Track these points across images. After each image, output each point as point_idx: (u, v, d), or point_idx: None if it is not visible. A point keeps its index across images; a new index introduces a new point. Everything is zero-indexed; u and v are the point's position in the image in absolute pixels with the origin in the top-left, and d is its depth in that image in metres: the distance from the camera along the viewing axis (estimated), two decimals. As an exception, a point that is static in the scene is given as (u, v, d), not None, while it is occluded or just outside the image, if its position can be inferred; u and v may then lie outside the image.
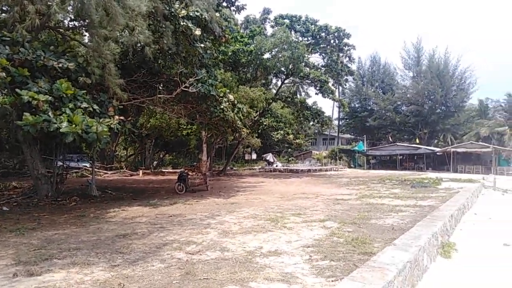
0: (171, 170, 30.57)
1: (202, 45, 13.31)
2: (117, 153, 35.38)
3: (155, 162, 35.41)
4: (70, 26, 12.76)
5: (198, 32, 12.21)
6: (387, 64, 53.62)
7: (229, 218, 8.50)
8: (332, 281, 4.04)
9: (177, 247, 5.68)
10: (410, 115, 46.47)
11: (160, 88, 14.27)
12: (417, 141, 44.89)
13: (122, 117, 10.07)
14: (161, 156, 38.51)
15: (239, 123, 16.37)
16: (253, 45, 26.31)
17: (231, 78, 24.81)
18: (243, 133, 20.52)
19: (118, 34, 9.55)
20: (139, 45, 11.40)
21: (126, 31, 9.99)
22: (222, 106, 14.29)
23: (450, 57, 46.73)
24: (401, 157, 39.62)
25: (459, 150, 34.32)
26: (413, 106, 45.63)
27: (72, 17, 11.82)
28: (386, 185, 18.26)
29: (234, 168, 36.64)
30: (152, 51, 10.79)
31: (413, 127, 47.85)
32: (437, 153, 36.09)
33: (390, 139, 48.93)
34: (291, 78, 31.72)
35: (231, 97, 15.26)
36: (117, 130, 9.91)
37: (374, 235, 6.44)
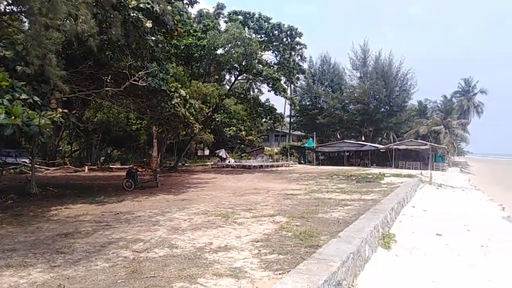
0: (119, 166, 29.47)
1: (153, 38, 12.90)
2: (60, 148, 33.42)
3: (102, 158, 33.90)
4: (7, 10, 11.77)
5: (149, 24, 11.82)
6: (336, 64, 55.57)
7: (179, 214, 8.38)
8: (280, 274, 4.15)
9: (123, 245, 5.51)
10: (357, 114, 48.57)
11: (108, 80, 13.65)
12: (363, 138, 47.04)
13: (65, 110, 9.55)
14: (108, 151, 36.94)
15: (191, 118, 16.17)
16: (206, 40, 26.00)
17: (183, 73, 24.37)
18: (195, 128, 20.26)
19: (60, 23, 8.96)
20: (85, 35, 10.82)
21: (70, 19, 9.44)
22: (173, 101, 14.00)
23: (393, 60, 49.53)
24: (348, 153, 41.32)
25: (400, 147, 36.56)
26: (359, 105, 47.73)
27: (10, 1, 10.92)
28: (333, 180, 18.99)
29: (186, 164, 36.11)
30: (98, 41, 10.29)
31: (359, 125, 50.09)
32: (381, 150, 38.12)
33: (338, 136, 50.88)
34: (244, 74, 31.84)
35: (182, 92, 15.00)
36: (60, 124, 9.37)
37: (321, 229, 6.69)
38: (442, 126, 47.69)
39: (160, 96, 13.73)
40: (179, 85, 15.42)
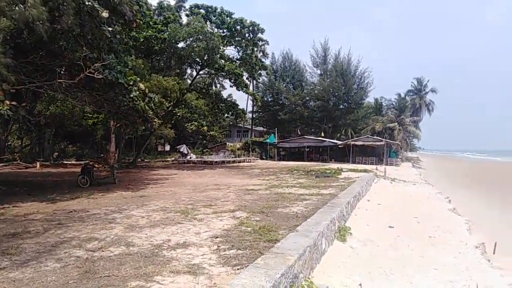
0: (74, 162, 28.17)
1: (111, 28, 12.40)
2: (9, 143, 31.40)
3: (55, 154, 32.19)
4: None
5: (105, 14, 11.32)
6: (298, 61, 56.32)
7: (136, 211, 8.18)
8: (238, 269, 4.19)
9: (76, 244, 5.30)
10: (317, 110, 49.63)
11: (62, 72, 12.97)
12: (323, 134, 48.20)
13: (14, 103, 8.98)
14: (62, 147, 35.18)
15: (151, 113, 15.78)
16: (167, 33, 25.40)
17: (143, 66, 23.64)
18: (155, 123, 19.84)
19: (6, 8, 8.38)
20: (35, 22, 10.17)
21: (19, 6, 8.84)
22: (131, 95, 13.57)
23: (352, 58, 51.05)
24: (308, 149, 42.21)
25: (357, 143, 37.94)
26: (319, 102, 48.79)
27: None
28: (293, 175, 19.33)
29: (146, 160, 35.21)
30: (50, 30, 9.73)
31: (319, 121, 51.25)
32: (339, 146, 39.30)
33: (299, 132, 51.73)
34: (206, 69, 31.44)
35: (142, 85, 14.58)
36: (9, 117, 8.82)
37: (280, 223, 6.80)
38: (396, 123, 50.00)
39: (118, 89, 13.24)
40: (138, 79, 14.97)
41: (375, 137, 40.80)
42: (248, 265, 4.04)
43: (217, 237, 5.74)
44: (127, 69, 14.53)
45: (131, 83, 13.59)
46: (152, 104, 15.63)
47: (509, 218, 14.10)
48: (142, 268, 4.21)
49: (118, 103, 13.71)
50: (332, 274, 5.19)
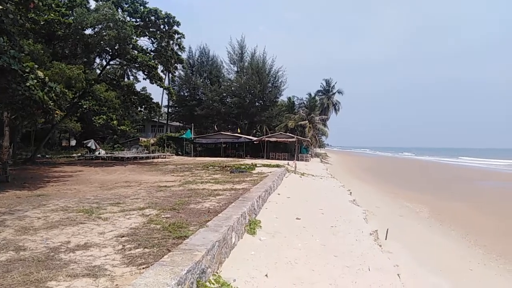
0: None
1: (1, 6, 10.98)
2: None
3: None
4: None
5: (-7, -11, 10.00)
6: (215, 56, 56.22)
7: (32, 212, 7.40)
8: (143, 268, 4.06)
9: (-48, 253, 4.61)
10: (233, 107, 50.17)
11: None
12: (239, 130, 48.99)
13: None
14: None
15: (51, 104, 14.34)
16: (72, 18, 23.28)
17: (42, 52, 21.34)
18: (56, 116, 18.11)
19: None
20: None
21: None
22: (27, 84, 12.19)
23: (267, 57, 52.64)
24: (224, 145, 42.55)
25: (271, 139, 39.44)
26: (236, 99, 49.41)
27: None
28: (209, 171, 19.33)
29: (47, 156, 31.93)
30: None
31: (236, 118, 51.94)
32: (254, 142, 40.39)
33: (216, 128, 51.84)
34: (117, 59, 29.64)
35: (40, 73, 13.22)
36: None
37: (191, 219, 6.76)
38: (307, 121, 53.10)
39: (11, 76, 11.78)
40: (36, 66, 13.50)
41: (288, 133, 42.80)
42: (154, 263, 3.95)
43: (123, 236, 5.48)
44: (23, 54, 13.06)
45: (27, 70, 12.23)
46: (53, 95, 14.23)
47: (399, 205, 16.04)
48: (33, 274, 3.83)
49: (12, 92, 12.19)
50: (241, 266, 5.33)
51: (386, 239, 9.38)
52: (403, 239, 9.78)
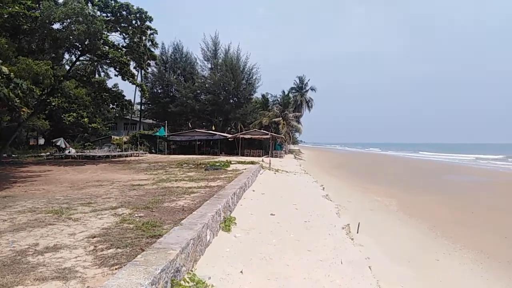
0: None
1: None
2: None
3: None
4: None
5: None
6: (188, 53, 55.51)
7: (-4, 215, 7.12)
8: (116, 269, 4.01)
9: None
10: (208, 104, 49.81)
11: None
12: (214, 128, 48.74)
13: None
14: None
15: (17, 101, 13.83)
16: (39, 11, 22.36)
17: (7, 46, 20.39)
18: (23, 113, 17.43)
19: None
20: None
21: None
22: (-10, 80, 11.70)
23: (241, 54, 52.56)
24: (199, 142, 42.22)
25: (246, 136, 39.50)
26: (210, 96, 49.08)
27: None
28: (183, 169, 19.16)
29: (14, 155, 30.63)
30: None
31: (210, 115, 51.60)
32: (229, 139, 40.33)
33: (190, 126, 51.33)
34: (87, 55, 28.73)
35: (5, 69, 12.72)
36: None
37: (165, 218, 6.71)
38: (281, 118, 53.50)
39: (-29, 72, 11.27)
40: (0, 61, 12.96)
41: (262, 130, 42.99)
42: (126, 264, 3.90)
43: (94, 237, 5.38)
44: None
45: (-11, 66, 11.69)
46: (19, 91, 13.76)
47: (369, 199, 16.48)
48: (-1, 278, 3.71)
49: (-28, 88, 11.67)
50: (216, 264, 5.35)
51: (358, 232, 9.64)
52: (374, 233, 10.07)
